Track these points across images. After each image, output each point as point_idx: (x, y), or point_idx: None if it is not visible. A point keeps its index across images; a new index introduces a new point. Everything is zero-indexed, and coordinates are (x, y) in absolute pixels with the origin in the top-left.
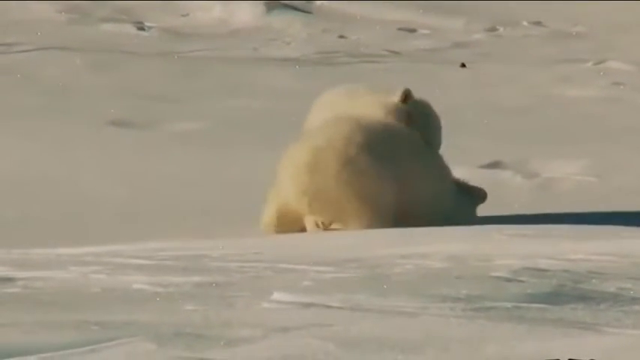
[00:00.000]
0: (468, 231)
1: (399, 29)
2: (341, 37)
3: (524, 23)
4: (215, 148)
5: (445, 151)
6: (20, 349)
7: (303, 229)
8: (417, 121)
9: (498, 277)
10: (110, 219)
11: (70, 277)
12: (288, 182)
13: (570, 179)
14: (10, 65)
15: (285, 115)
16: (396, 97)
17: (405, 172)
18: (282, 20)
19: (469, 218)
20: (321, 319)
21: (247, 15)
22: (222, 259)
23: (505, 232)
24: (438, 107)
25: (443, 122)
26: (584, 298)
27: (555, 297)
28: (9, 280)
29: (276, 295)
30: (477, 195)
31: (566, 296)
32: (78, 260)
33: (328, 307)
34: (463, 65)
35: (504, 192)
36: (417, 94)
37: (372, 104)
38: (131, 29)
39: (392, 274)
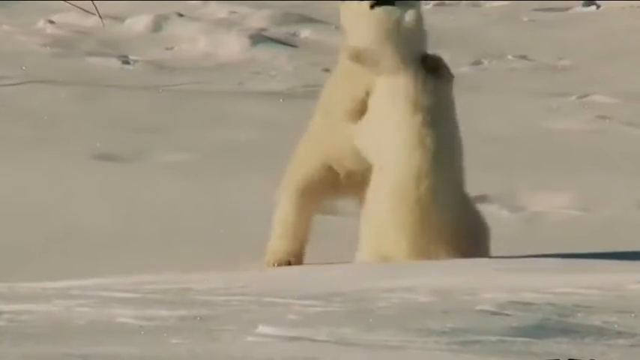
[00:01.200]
0: (454, 264)
1: None
2: (326, 70)
3: (509, 57)
4: (202, 180)
5: None
6: None
7: None
8: None
9: (484, 311)
10: (97, 251)
11: (55, 311)
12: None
13: (556, 212)
14: None
15: (271, 147)
16: None
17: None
18: (268, 53)
19: None
20: (307, 353)
21: (232, 48)
22: (207, 293)
23: (491, 266)
24: None
25: None
26: (570, 331)
27: (541, 330)
28: None
29: (262, 329)
30: None
31: (551, 330)
32: (63, 293)
33: (314, 340)
34: None
35: (491, 225)
36: None
37: None
38: (116, 63)
39: (377, 307)
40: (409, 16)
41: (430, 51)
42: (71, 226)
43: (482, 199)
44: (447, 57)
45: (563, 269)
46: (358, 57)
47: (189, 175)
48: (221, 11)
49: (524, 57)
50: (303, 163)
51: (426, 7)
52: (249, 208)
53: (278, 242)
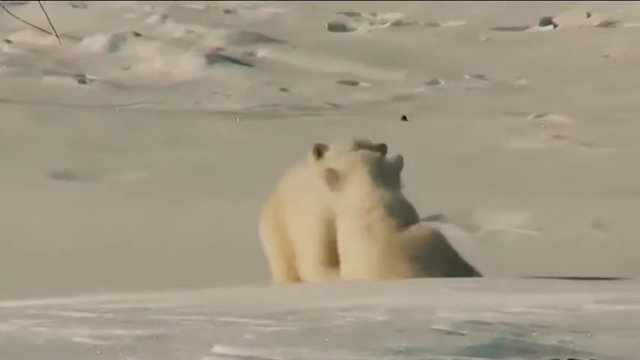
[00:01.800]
0: (409, 284)
1: (341, 82)
2: (282, 89)
3: (467, 76)
4: (158, 199)
5: None
6: None
7: None
8: None
9: (439, 330)
10: (55, 270)
11: (12, 330)
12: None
13: (512, 232)
14: None
15: (226, 166)
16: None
17: None
18: (224, 73)
19: None
20: None
21: (189, 68)
22: (163, 312)
23: (447, 285)
24: None
25: None
26: (525, 351)
27: (496, 350)
28: None
29: (217, 349)
30: None
31: (507, 349)
32: (21, 313)
33: None
34: (404, 118)
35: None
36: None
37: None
38: (73, 82)
39: (333, 326)
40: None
41: (387, 71)
42: (29, 244)
43: (437, 218)
44: (402, 76)
45: (519, 288)
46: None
47: (146, 194)
48: (178, 31)
49: (481, 76)
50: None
51: (383, 27)
52: (204, 227)
53: None
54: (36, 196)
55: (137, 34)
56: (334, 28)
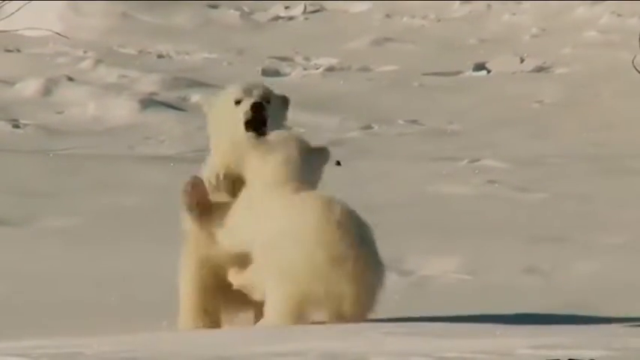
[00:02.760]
0: (343, 328)
1: None
2: None
3: (400, 121)
4: (90, 244)
5: None
6: None
7: None
8: None
9: None
10: None
11: None
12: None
13: (445, 277)
14: None
15: (159, 212)
16: None
17: None
18: (157, 118)
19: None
20: None
21: (122, 112)
22: (97, 357)
23: (380, 330)
24: None
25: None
26: None
27: None
28: None
29: None
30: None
31: None
32: None
33: None
34: (338, 163)
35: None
36: None
37: None
38: (6, 127)
39: None
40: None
41: (321, 116)
42: None
43: None
44: (336, 121)
45: (453, 333)
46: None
47: (78, 240)
48: (111, 75)
49: (414, 121)
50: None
51: (317, 72)
52: (137, 274)
53: None
54: None
55: (70, 79)
56: (267, 72)
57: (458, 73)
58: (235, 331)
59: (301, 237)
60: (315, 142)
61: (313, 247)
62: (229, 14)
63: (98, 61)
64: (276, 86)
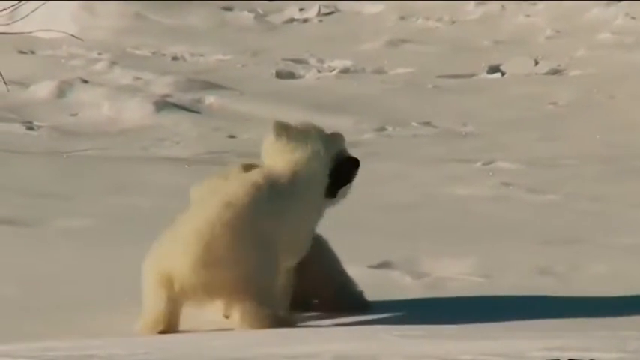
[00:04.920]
0: (356, 330)
1: None
2: (231, 136)
3: (414, 123)
4: (103, 246)
5: (335, 250)
6: None
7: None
8: None
9: None
10: None
11: None
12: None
13: (459, 279)
14: None
15: (172, 213)
16: None
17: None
18: (172, 119)
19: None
20: None
21: (136, 114)
22: (110, 358)
23: (393, 332)
24: None
25: (332, 221)
26: None
27: None
28: None
29: None
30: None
31: None
32: None
33: None
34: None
35: (393, 292)
36: None
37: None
38: (20, 128)
39: None
40: None
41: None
42: None
43: (385, 265)
44: (350, 123)
45: (466, 335)
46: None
47: (91, 241)
48: (125, 77)
49: (428, 124)
50: None
51: (331, 74)
52: None
53: None
54: None
55: (84, 81)
56: (282, 75)
57: (472, 75)
58: (249, 332)
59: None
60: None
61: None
62: (244, 16)
63: (112, 63)
64: (291, 88)
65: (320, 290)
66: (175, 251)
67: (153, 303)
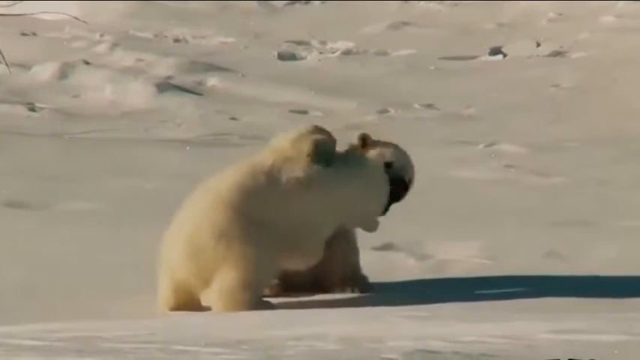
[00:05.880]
0: (360, 312)
1: (291, 111)
2: (233, 118)
3: (416, 105)
4: (107, 228)
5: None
6: None
7: (198, 306)
8: None
9: (390, 359)
10: (3, 299)
11: None
12: (175, 263)
13: (464, 261)
14: None
15: (176, 195)
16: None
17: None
18: (174, 101)
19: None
20: None
21: (139, 96)
22: (115, 340)
23: (397, 314)
24: None
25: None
26: None
27: None
28: None
29: None
30: None
31: None
32: None
33: None
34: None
35: (397, 274)
36: None
37: None
38: (22, 110)
39: (285, 355)
40: None
41: (338, 100)
42: None
43: (389, 247)
44: (353, 105)
45: (470, 318)
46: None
47: (95, 223)
48: (127, 59)
49: (430, 106)
50: None
51: (333, 56)
52: (155, 257)
53: None
54: None
55: (87, 63)
56: (284, 57)
57: (474, 57)
58: (254, 314)
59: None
60: (332, 126)
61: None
62: None
63: (114, 45)
64: (293, 70)
65: (333, 266)
66: (171, 241)
67: (161, 285)
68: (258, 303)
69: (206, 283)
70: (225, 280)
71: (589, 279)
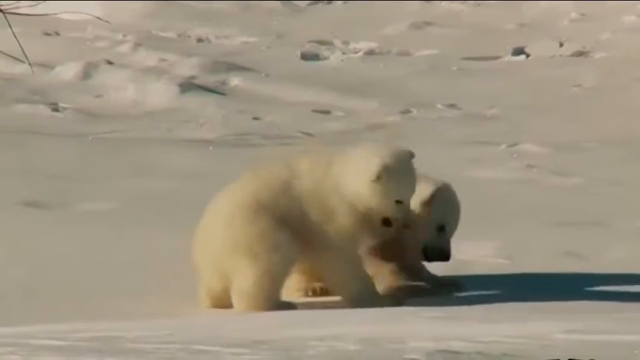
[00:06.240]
0: (380, 312)
1: (314, 111)
2: (255, 118)
3: (438, 105)
4: (127, 228)
5: None
6: None
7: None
8: None
9: None
10: (20, 300)
11: None
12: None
13: (483, 261)
14: None
15: (196, 196)
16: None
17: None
18: (196, 101)
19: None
20: None
21: (161, 96)
22: (136, 341)
23: (417, 314)
24: None
25: None
26: None
27: None
28: None
29: None
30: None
31: None
32: None
33: None
34: None
35: None
36: None
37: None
38: (45, 110)
39: (306, 356)
40: None
41: (360, 100)
42: None
43: None
44: (375, 105)
45: (490, 318)
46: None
47: (116, 223)
48: (150, 59)
49: (453, 106)
50: None
51: (356, 56)
52: (175, 258)
53: None
54: (5, 223)
55: (109, 63)
56: (307, 57)
57: (497, 57)
58: (274, 314)
59: None
60: (354, 126)
61: None
62: None
63: (137, 45)
64: (316, 70)
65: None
66: (198, 240)
67: (199, 283)
68: (279, 303)
69: (229, 282)
70: (243, 279)
71: (606, 279)
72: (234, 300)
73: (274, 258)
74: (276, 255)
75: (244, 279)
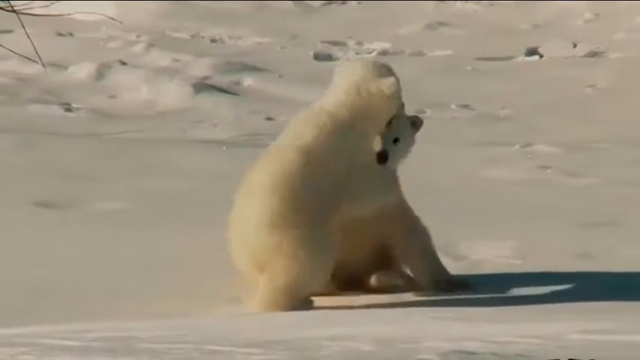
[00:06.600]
0: (395, 313)
1: None
2: (268, 118)
3: (452, 106)
4: (140, 229)
5: None
6: None
7: None
8: None
9: None
10: (33, 300)
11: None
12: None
13: (496, 261)
14: None
15: (209, 196)
16: None
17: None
18: (210, 102)
19: None
20: None
21: (174, 96)
22: (150, 341)
23: (431, 315)
24: None
25: None
26: None
27: None
28: None
29: None
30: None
31: None
32: (5, 342)
33: None
34: None
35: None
36: None
37: None
38: (58, 110)
39: (320, 356)
40: None
41: None
42: (9, 273)
43: None
44: None
45: (504, 318)
46: None
47: (128, 223)
48: (163, 59)
49: (466, 106)
50: None
51: (369, 56)
52: (187, 258)
53: None
54: (16, 223)
55: (123, 63)
56: (320, 57)
57: (510, 57)
58: (289, 314)
59: None
60: None
61: None
62: None
63: (151, 45)
64: (329, 71)
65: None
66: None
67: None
68: (298, 304)
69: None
70: (272, 280)
71: (621, 279)
72: (261, 291)
73: (315, 262)
74: (317, 260)
75: (279, 277)
